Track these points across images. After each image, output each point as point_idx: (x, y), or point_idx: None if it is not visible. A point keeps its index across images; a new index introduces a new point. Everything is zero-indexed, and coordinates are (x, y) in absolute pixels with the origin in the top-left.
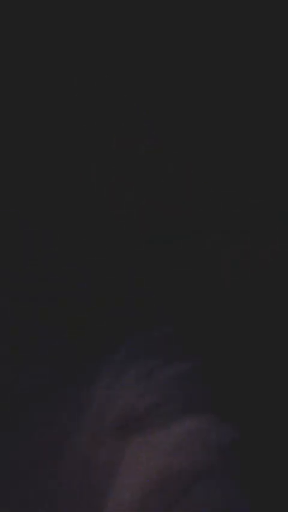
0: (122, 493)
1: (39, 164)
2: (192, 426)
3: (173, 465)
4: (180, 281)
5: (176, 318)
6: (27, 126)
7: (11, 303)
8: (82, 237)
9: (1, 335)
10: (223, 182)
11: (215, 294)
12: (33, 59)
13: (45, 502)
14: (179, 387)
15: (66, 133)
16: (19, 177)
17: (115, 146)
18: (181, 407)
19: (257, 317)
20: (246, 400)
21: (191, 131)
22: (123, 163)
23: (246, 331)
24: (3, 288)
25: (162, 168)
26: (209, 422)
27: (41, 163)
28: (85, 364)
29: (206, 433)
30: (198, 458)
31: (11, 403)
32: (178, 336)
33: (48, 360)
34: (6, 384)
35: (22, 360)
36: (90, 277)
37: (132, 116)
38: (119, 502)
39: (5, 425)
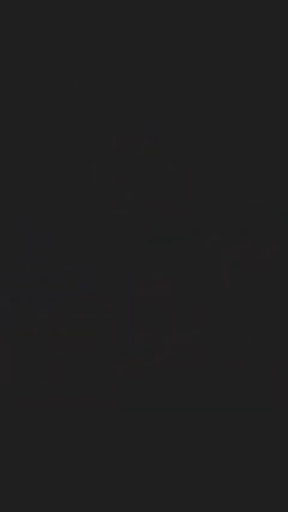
0: None
1: (39, 164)
2: None
3: None
4: (180, 281)
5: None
6: (27, 126)
7: (11, 303)
8: (82, 237)
9: (1, 335)
10: (223, 182)
11: (215, 294)
12: (33, 59)
13: None
14: None
15: (66, 133)
16: (19, 177)
17: (115, 146)
18: None
19: (257, 317)
20: (247, 401)
21: (191, 131)
22: (123, 163)
23: (246, 331)
24: (3, 288)
25: (162, 168)
26: None
27: (41, 163)
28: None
29: None
30: None
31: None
32: None
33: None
34: (6, 384)
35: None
36: (90, 277)
37: (132, 116)
38: None
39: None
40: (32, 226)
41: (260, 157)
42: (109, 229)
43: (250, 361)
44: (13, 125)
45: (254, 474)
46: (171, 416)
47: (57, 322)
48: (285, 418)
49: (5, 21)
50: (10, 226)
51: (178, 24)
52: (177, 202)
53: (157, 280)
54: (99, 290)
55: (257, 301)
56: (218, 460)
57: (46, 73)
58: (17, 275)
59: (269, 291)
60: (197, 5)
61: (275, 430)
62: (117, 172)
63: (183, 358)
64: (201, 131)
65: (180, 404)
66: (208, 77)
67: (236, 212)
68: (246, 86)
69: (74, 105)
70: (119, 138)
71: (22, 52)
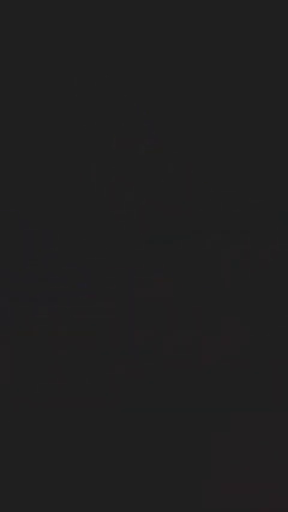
0: None
1: (39, 164)
2: None
3: None
4: (180, 281)
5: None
6: (27, 126)
7: (11, 303)
8: (82, 237)
9: (1, 335)
10: (223, 182)
11: (215, 293)
12: (34, 59)
13: None
14: None
15: (66, 133)
16: (19, 177)
17: (115, 146)
18: None
19: (257, 317)
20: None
21: (191, 131)
22: (123, 163)
23: (246, 331)
24: (3, 287)
25: (162, 168)
26: None
27: (41, 163)
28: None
29: None
30: None
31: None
32: None
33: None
34: (6, 384)
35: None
36: (90, 277)
37: (132, 116)
38: None
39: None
40: (32, 226)
41: (260, 157)
42: (109, 229)
43: (250, 361)
44: (13, 125)
45: (254, 473)
46: (171, 416)
47: (57, 322)
48: (285, 418)
49: (5, 21)
50: (10, 226)
51: (178, 24)
52: (177, 202)
53: (157, 280)
54: (99, 290)
55: (256, 302)
56: (219, 459)
57: (46, 73)
58: (17, 275)
59: (269, 291)
60: (197, 5)
61: (275, 430)
62: (117, 172)
63: (183, 358)
64: (201, 131)
65: (180, 404)
66: (208, 77)
67: (236, 212)
68: (246, 87)
69: (74, 105)
70: (119, 138)
71: (22, 52)
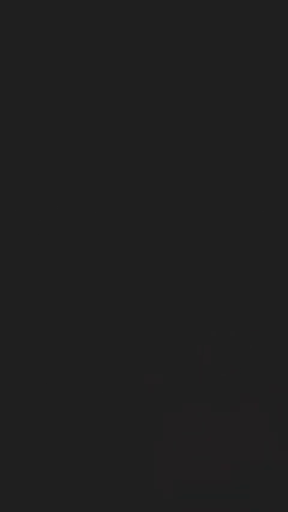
0: None
1: (39, 164)
2: None
3: None
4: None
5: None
6: (27, 127)
7: (11, 303)
8: (82, 237)
9: (1, 335)
10: (223, 183)
11: (214, 294)
12: (34, 59)
13: None
14: None
15: (66, 133)
16: (19, 177)
17: (115, 146)
18: None
19: (257, 317)
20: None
21: (191, 131)
22: (123, 163)
23: (246, 331)
24: (4, 289)
25: (162, 168)
26: None
27: (41, 164)
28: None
29: None
30: None
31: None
32: None
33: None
34: (6, 383)
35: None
36: (90, 276)
37: (132, 115)
38: None
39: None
40: (32, 226)
41: (260, 158)
42: (109, 229)
43: (251, 360)
44: (13, 125)
45: (255, 473)
46: (172, 417)
47: (58, 322)
48: (284, 418)
49: (5, 21)
50: (10, 226)
51: (178, 25)
52: (177, 203)
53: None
54: (99, 290)
55: (257, 302)
56: (219, 459)
57: (46, 73)
58: (17, 275)
59: (269, 291)
60: (197, 6)
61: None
62: (118, 172)
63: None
64: (201, 132)
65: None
66: (208, 78)
67: (236, 212)
68: (247, 88)
69: (73, 105)
70: (119, 138)
71: (22, 52)
